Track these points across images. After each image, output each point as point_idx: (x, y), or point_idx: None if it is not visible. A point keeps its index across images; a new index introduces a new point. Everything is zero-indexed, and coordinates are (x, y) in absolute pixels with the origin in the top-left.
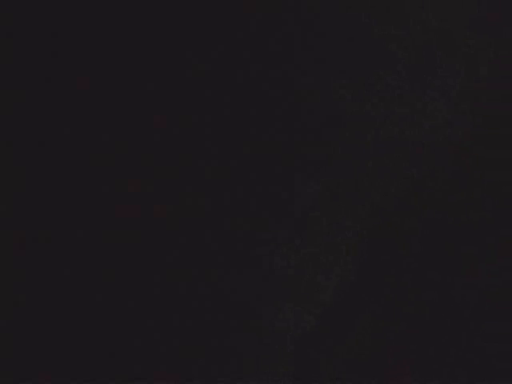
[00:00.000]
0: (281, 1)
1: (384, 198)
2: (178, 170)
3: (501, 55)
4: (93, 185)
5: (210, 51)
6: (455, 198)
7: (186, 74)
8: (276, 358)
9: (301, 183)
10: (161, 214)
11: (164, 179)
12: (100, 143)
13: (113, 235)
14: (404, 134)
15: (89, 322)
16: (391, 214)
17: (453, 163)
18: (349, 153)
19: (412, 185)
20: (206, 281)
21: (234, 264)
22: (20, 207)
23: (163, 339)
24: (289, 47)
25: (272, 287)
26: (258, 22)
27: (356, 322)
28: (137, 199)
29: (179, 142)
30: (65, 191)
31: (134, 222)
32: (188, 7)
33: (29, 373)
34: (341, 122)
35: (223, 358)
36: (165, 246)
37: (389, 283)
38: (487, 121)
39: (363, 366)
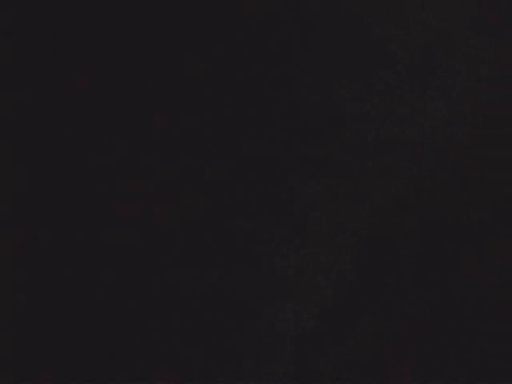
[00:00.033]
0: (281, 1)
1: (384, 198)
2: (177, 170)
3: (501, 55)
4: (93, 185)
5: (209, 51)
6: (455, 198)
7: (185, 74)
8: (276, 358)
9: (301, 183)
10: (161, 213)
11: (164, 179)
12: (100, 143)
13: (113, 235)
14: (404, 133)
15: (89, 321)
16: (391, 214)
17: (453, 163)
18: (349, 153)
19: (412, 185)
20: (206, 281)
21: (233, 264)
22: (20, 207)
23: (163, 339)
24: (289, 47)
25: (272, 287)
26: (258, 21)
27: (356, 322)
28: (137, 199)
29: (179, 142)
30: (65, 191)
31: (134, 222)
32: (188, 7)
33: (29, 373)
34: (341, 122)
35: (223, 358)
36: (165, 245)
37: (389, 283)
38: (487, 121)
39: (363, 366)
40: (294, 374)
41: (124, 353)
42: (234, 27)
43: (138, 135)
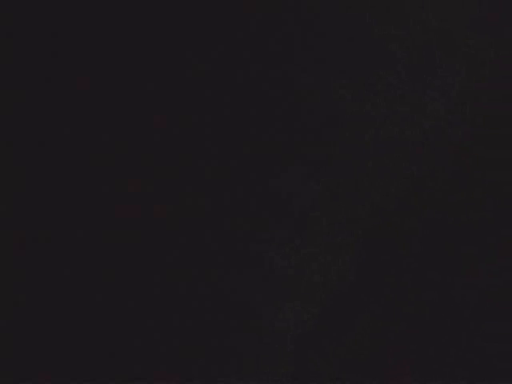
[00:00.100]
0: (281, 1)
1: (384, 198)
2: (177, 169)
3: (501, 55)
4: (93, 185)
5: (209, 51)
6: (455, 198)
7: (185, 74)
8: (276, 358)
9: (301, 183)
10: (161, 213)
11: (164, 179)
12: (100, 143)
13: (113, 235)
14: (404, 133)
15: (89, 321)
16: (391, 214)
17: (453, 163)
18: (349, 153)
19: (412, 185)
20: (206, 281)
21: (233, 264)
22: (20, 207)
23: (163, 339)
24: (289, 47)
25: (272, 287)
26: (258, 21)
27: (356, 322)
28: (137, 199)
29: (179, 142)
30: (65, 191)
31: (134, 222)
32: (188, 7)
33: (29, 373)
34: (341, 122)
35: (223, 358)
36: (165, 245)
37: (389, 283)
38: (487, 121)
39: (363, 366)
40: (293, 374)
41: (124, 353)
42: (234, 27)
43: (138, 135)
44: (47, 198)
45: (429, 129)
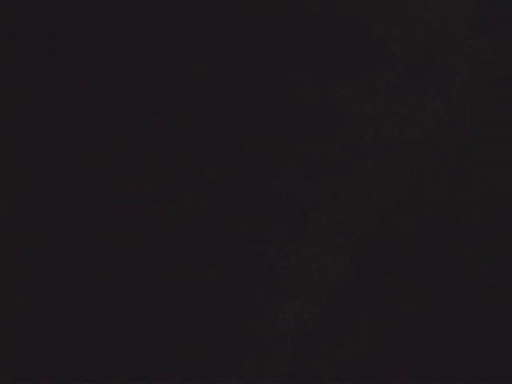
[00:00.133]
0: (281, 1)
1: (384, 198)
2: (177, 169)
3: (501, 55)
4: (93, 185)
5: (210, 51)
6: (455, 198)
7: (185, 74)
8: (276, 358)
9: (301, 183)
10: (161, 213)
11: (164, 179)
12: (100, 143)
13: (113, 235)
14: (404, 133)
15: (89, 321)
16: (391, 214)
17: (453, 163)
18: (349, 153)
19: (412, 185)
20: (206, 281)
21: (233, 264)
22: (20, 207)
23: (163, 339)
24: (289, 47)
25: (272, 287)
26: (258, 21)
27: (356, 321)
28: (137, 199)
29: (179, 142)
30: (65, 191)
31: (134, 222)
32: (188, 7)
33: (29, 373)
34: (341, 121)
35: (223, 358)
36: (165, 245)
37: (389, 283)
38: (487, 121)
39: (363, 366)
40: (293, 374)
41: (124, 353)
42: (234, 27)
43: (138, 135)
44: (47, 197)
45: (429, 129)
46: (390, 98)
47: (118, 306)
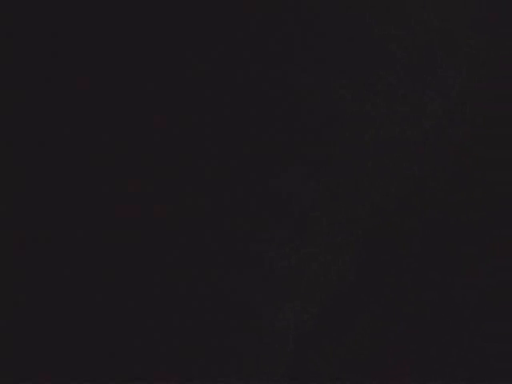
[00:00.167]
0: (281, 1)
1: (384, 198)
2: (177, 169)
3: (501, 55)
4: (93, 185)
5: (210, 51)
6: (455, 198)
7: (186, 74)
8: (276, 358)
9: (301, 183)
10: (161, 213)
11: (164, 179)
12: (100, 143)
13: (113, 235)
14: (404, 133)
15: (89, 321)
16: (391, 214)
17: (453, 163)
18: (349, 153)
19: (412, 185)
20: (206, 281)
21: (233, 264)
22: (20, 207)
23: (163, 339)
24: (289, 47)
25: (272, 287)
26: (258, 21)
27: (356, 321)
28: (137, 199)
29: (179, 142)
30: (65, 191)
31: (134, 222)
32: (188, 7)
33: (29, 373)
34: (341, 121)
35: (223, 358)
36: (165, 245)
37: (389, 283)
38: (487, 121)
39: (363, 366)
40: (294, 374)
41: (124, 353)
42: (234, 27)
43: (138, 135)
44: (47, 197)
45: (429, 129)
46: (389, 98)
47: (118, 305)
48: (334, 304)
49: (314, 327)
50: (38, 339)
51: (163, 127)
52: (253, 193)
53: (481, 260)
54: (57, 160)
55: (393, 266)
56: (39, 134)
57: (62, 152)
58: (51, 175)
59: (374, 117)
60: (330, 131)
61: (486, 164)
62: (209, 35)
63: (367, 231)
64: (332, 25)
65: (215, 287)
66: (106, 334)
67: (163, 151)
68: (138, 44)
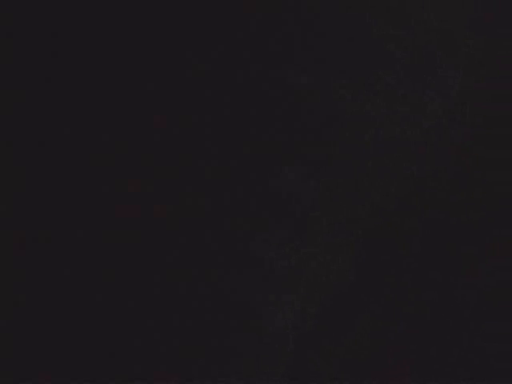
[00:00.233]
0: (281, 1)
1: (384, 198)
2: (178, 169)
3: (501, 55)
4: (93, 185)
5: (210, 51)
6: (455, 198)
7: (186, 74)
8: (276, 357)
9: (301, 183)
10: (161, 213)
11: (164, 179)
12: (100, 143)
13: (113, 235)
14: (404, 133)
15: (89, 321)
16: (391, 214)
17: (453, 163)
18: (349, 153)
19: (412, 185)
20: (206, 281)
21: (233, 264)
22: (20, 207)
23: (163, 339)
24: (289, 47)
25: (272, 287)
26: (258, 22)
27: (355, 321)
28: (137, 199)
29: (179, 142)
30: (65, 191)
31: (134, 222)
32: (188, 7)
33: (29, 373)
34: (341, 121)
35: (223, 358)
36: (165, 245)
37: (389, 283)
38: (487, 121)
39: (363, 365)
40: (293, 374)
41: (124, 353)
42: (234, 27)
43: (138, 135)
44: (47, 197)
45: (429, 129)
46: (389, 97)
47: (118, 305)
48: (334, 304)
49: (314, 327)
50: (38, 339)
51: (163, 127)
52: (253, 193)
53: (481, 260)
54: (57, 160)
55: (393, 266)
56: (39, 133)
57: (62, 152)
58: (51, 175)
59: (374, 117)
60: (330, 131)
61: (486, 164)
62: (209, 35)
63: (367, 231)
64: (332, 25)
65: (215, 287)
66: (106, 334)
67: (163, 151)
68: (138, 44)
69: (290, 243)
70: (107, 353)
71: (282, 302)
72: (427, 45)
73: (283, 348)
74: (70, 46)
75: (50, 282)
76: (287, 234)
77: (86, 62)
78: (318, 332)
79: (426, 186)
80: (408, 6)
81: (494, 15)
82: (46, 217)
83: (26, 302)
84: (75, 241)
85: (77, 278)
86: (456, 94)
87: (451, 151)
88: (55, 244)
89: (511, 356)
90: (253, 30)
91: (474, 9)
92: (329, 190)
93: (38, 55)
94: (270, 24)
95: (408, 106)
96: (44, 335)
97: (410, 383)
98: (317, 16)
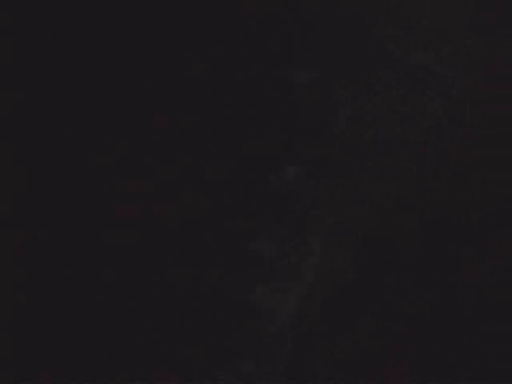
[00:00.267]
0: (281, 1)
1: (384, 197)
2: (177, 170)
3: (501, 55)
4: (93, 185)
5: (210, 51)
6: (455, 198)
7: (186, 74)
8: (275, 357)
9: (301, 183)
10: (161, 213)
11: (164, 179)
12: (100, 143)
13: (113, 235)
14: (404, 133)
15: (89, 321)
16: (391, 214)
17: (453, 163)
18: (349, 153)
19: (412, 185)
20: (206, 281)
21: (233, 264)
22: (20, 207)
23: (163, 339)
24: (289, 47)
25: (272, 287)
26: (258, 22)
27: (355, 321)
28: (137, 199)
29: (179, 142)
30: (65, 191)
31: (134, 222)
32: (188, 7)
33: (29, 373)
34: (341, 121)
35: (223, 358)
36: (165, 245)
37: (388, 283)
38: (487, 121)
39: (363, 366)
40: (293, 374)
41: (124, 353)
42: (234, 27)
43: (138, 135)
44: (47, 197)
45: (429, 129)
46: (389, 98)
47: (118, 305)
48: (334, 304)
49: (314, 327)
50: (38, 339)
51: (163, 127)
52: (253, 193)
53: (481, 260)
54: (57, 160)
55: (393, 266)
56: (39, 133)
57: (62, 152)
58: (51, 175)
59: (374, 117)
60: (330, 131)
61: (486, 164)
62: (209, 35)
63: (367, 231)
64: (332, 25)
65: (215, 287)
66: (105, 334)
67: (163, 151)
68: (138, 44)
69: (289, 243)
70: (107, 353)
71: (281, 302)
72: (427, 45)
73: (283, 348)
74: (70, 46)
75: (50, 282)
76: (287, 234)
77: (86, 62)
78: (317, 332)
79: (427, 186)
80: (408, 6)
81: (494, 15)
82: (46, 217)
83: (26, 301)
84: (75, 241)
85: (77, 277)
86: (456, 93)
87: (451, 151)
88: (55, 244)
89: (511, 356)
90: (253, 30)
91: (473, 9)
92: (329, 189)
93: (38, 55)
94: (270, 24)
95: (408, 105)
96: (44, 335)
97: (409, 383)
98: (317, 16)
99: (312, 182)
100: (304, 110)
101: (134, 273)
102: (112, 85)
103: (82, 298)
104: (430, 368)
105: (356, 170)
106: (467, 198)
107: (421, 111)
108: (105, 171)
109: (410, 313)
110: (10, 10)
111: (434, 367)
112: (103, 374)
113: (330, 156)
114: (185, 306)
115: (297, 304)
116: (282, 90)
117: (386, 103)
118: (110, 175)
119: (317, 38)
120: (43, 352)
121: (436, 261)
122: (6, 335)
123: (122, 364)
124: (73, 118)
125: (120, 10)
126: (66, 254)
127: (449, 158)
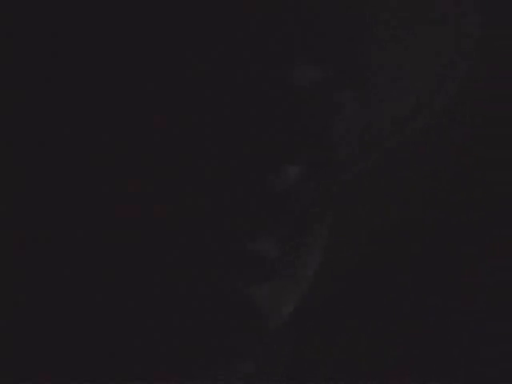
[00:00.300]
0: (281, 1)
1: (384, 197)
2: (177, 170)
3: (501, 55)
4: (93, 185)
5: (210, 51)
6: (455, 198)
7: (185, 74)
8: (276, 357)
9: (300, 183)
10: (161, 214)
11: (164, 179)
12: (100, 143)
13: (113, 235)
14: (405, 133)
15: (89, 321)
16: (391, 214)
17: (453, 163)
18: (349, 153)
19: (412, 184)
20: (206, 281)
21: (233, 264)
22: (20, 207)
23: (163, 339)
24: (289, 47)
25: (272, 287)
26: (258, 22)
27: (355, 322)
28: (137, 199)
29: (179, 142)
30: (65, 191)
31: (134, 222)
32: (188, 7)
33: (29, 373)
34: (341, 121)
35: (223, 358)
36: (165, 245)
37: (388, 283)
38: (487, 121)
39: (363, 366)
40: (293, 374)
41: (124, 353)
42: (234, 27)
43: (138, 135)
44: (47, 197)
45: (429, 129)
46: (390, 97)
47: (118, 305)
48: (335, 304)
49: (314, 327)
50: (38, 339)
51: (163, 127)
52: (253, 192)
53: (481, 260)
54: (57, 160)
55: (393, 265)
56: (39, 133)
57: (62, 152)
58: (51, 175)
59: (374, 117)
60: (331, 131)
61: (486, 164)
62: (209, 35)
63: (367, 231)
64: (332, 25)
65: (215, 287)
66: (105, 334)
67: (163, 151)
68: (138, 44)
69: (289, 243)
70: (107, 353)
71: (281, 302)
72: (427, 45)
73: (283, 348)
74: (70, 46)
75: (50, 282)
76: (287, 234)
77: (86, 62)
78: (317, 332)
79: (426, 185)
80: (408, 5)
81: (493, 15)
82: (46, 217)
83: (26, 301)
84: (75, 241)
85: (77, 278)
86: (456, 93)
87: (451, 151)
88: (55, 244)
89: (511, 356)
90: (253, 30)
91: (473, 9)
92: (329, 189)
93: (38, 55)
94: (270, 24)
95: (408, 105)
96: (44, 335)
97: (409, 383)
98: (317, 16)
99: (312, 182)
100: (304, 109)
101: (133, 273)
102: (112, 85)
103: (81, 298)
104: (430, 368)
105: (356, 170)
106: (467, 197)
107: (421, 111)
108: (105, 171)
109: (409, 313)
110: (10, 10)
111: (434, 367)
112: (103, 374)
113: (330, 156)
114: (184, 306)
115: (297, 304)
116: (281, 89)
117: (386, 103)
118: (109, 175)
119: (317, 37)
120: (43, 352)
121: (436, 261)
122: (5, 335)
123: (122, 364)
124: (73, 117)
125: (120, 10)
126: (66, 254)
127: (449, 158)
